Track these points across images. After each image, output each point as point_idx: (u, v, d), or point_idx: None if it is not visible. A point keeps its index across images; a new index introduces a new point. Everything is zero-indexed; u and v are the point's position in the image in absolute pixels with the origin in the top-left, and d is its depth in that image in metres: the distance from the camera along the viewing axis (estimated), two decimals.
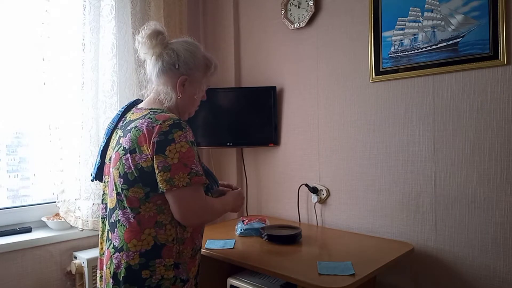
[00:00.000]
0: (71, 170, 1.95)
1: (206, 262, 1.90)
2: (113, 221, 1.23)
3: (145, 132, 1.16)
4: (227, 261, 1.58)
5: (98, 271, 1.33)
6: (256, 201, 2.43)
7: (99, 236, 1.34)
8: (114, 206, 1.23)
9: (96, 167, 1.37)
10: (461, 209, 1.65)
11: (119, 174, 1.19)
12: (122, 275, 1.18)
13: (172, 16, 2.28)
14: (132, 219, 1.19)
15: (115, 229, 1.22)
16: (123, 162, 1.18)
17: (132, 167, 1.16)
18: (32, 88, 1.98)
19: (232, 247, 1.70)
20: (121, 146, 1.21)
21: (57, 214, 1.99)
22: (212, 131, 2.32)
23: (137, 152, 1.16)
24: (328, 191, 2.08)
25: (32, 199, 2.03)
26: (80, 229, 1.94)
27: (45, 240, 1.85)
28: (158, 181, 1.14)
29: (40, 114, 1.98)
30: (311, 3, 2.08)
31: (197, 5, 2.63)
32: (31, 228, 1.91)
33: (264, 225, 1.89)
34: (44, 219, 1.96)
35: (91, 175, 1.39)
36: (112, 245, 1.22)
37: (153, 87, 1.33)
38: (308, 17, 2.10)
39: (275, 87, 2.26)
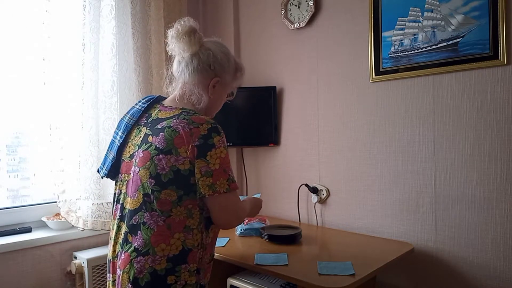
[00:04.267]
0: (72, 170, 1.95)
1: None
2: (135, 223, 1.16)
3: (183, 134, 1.13)
4: (227, 261, 1.58)
5: (109, 275, 1.24)
6: None
7: (111, 238, 1.26)
8: (138, 207, 1.16)
9: (110, 164, 1.28)
10: (461, 209, 1.65)
11: (150, 175, 1.14)
12: (145, 280, 1.12)
13: (172, 16, 2.28)
14: (161, 222, 1.13)
15: (138, 232, 1.15)
16: (155, 162, 1.13)
17: (167, 168, 1.12)
18: (32, 88, 1.98)
19: (223, 245, 1.70)
20: (151, 145, 1.16)
21: (57, 214, 1.99)
22: None
23: (173, 154, 1.12)
24: (328, 191, 2.08)
25: (32, 199, 2.03)
26: (81, 229, 1.94)
27: (45, 240, 1.85)
28: (199, 185, 1.13)
29: (40, 114, 1.98)
30: (311, 3, 2.08)
31: (197, 5, 2.63)
32: (31, 228, 1.91)
33: (264, 225, 1.89)
34: (44, 219, 1.96)
35: (99, 171, 1.34)
36: (132, 248, 1.15)
37: (179, 84, 1.29)
38: (308, 17, 2.10)
39: (275, 87, 2.26)
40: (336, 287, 1.25)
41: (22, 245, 1.78)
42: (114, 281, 1.22)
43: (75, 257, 1.91)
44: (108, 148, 1.32)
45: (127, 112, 1.32)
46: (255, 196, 1.53)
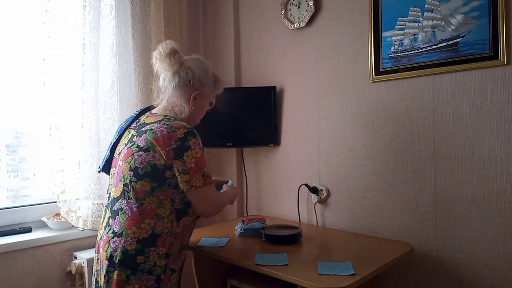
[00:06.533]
0: (72, 170, 1.95)
1: (206, 262, 1.90)
2: (115, 209, 1.35)
3: (160, 136, 1.32)
4: (227, 261, 1.58)
5: (95, 254, 1.43)
6: (256, 201, 2.43)
7: (101, 223, 1.45)
8: (118, 195, 1.36)
9: (105, 160, 1.52)
10: (461, 209, 1.65)
11: (130, 167, 1.33)
12: (118, 258, 1.29)
13: (172, 16, 2.28)
14: (135, 208, 1.32)
15: (117, 216, 1.34)
16: (135, 157, 1.33)
17: (145, 163, 1.31)
18: (32, 88, 1.98)
19: (223, 245, 1.70)
20: (134, 144, 1.36)
21: (57, 214, 1.99)
22: (212, 131, 2.32)
23: (151, 151, 1.32)
24: (328, 191, 2.08)
25: (32, 199, 2.03)
26: (81, 229, 1.94)
27: (45, 240, 1.85)
28: (178, 182, 1.33)
29: (40, 114, 1.98)
30: (311, 3, 2.08)
31: (197, 5, 2.63)
32: (31, 228, 1.91)
33: (264, 225, 1.89)
34: (44, 219, 1.96)
35: (99, 167, 1.55)
36: (111, 230, 1.34)
37: (165, 97, 1.49)
38: (308, 17, 2.10)
39: (275, 87, 2.26)
40: (336, 287, 1.25)
41: (22, 245, 1.78)
42: (98, 259, 1.40)
43: (75, 257, 1.91)
44: (108, 148, 1.54)
45: (126, 119, 1.54)
46: (228, 183, 1.71)
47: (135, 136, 1.38)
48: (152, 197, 1.32)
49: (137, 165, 1.32)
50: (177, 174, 1.32)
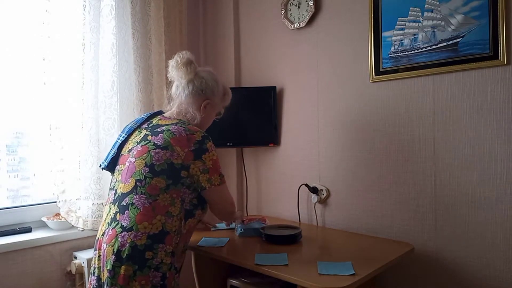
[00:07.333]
0: (72, 170, 1.95)
1: (206, 262, 1.90)
2: (124, 204, 1.36)
3: (179, 137, 1.39)
4: (227, 261, 1.58)
5: (95, 252, 1.41)
6: (256, 201, 2.43)
7: (103, 220, 1.44)
8: (129, 190, 1.37)
9: (110, 158, 1.53)
10: (461, 209, 1.65)
11: (145, 164, 1.37)
12: (126, 252, 1.29)
13: (172, 16, 2.28)
14: (147, 203, 1.34)
15: (126, 211, 1.35)
16: (152, 154, 1.38)
17: (162, 160, 1.37)
18: (32, 88, 1.98)
19: (223, 245, 1.71)
20: (150, 142, 1.41)
21: (57, 214, 1.99)
22: (212, 131, 2.31)
23: (169, 150, 1.37)
24: (328, 191, 2.08)
25: (32, 199, 2.03)
26: (81, 229, 1.94)
27: (45, 240, 1.84)
28: (200, 180, 1.40)
29: (40, 114, 1.98)
30: (311, 3, 2.08)
31: (197, 5, 2.63)
32: (31, 228, 1.91)
33: (264, 225, 1.89)
34: (44, 219, 1.96)
35: (100, 165, 1.57)
36: (119, 225, 1.34)
37: (176, 103, 1.57)
38: (308, 17, 2.10)
39: (275, 87, 2.26)
40: (336, 287, 1.25)
41: (22, 245, 1.78)
42: (99, 256, 1.38)
43: (75, 257, 1.91)
44: (112, 147, 1.57)
45: (133, 120, 1.60)
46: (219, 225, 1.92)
47: (150, 135, 1.44)
48: (166, 194, 1.35)
49: (153, 161, 1.36)
50: (198, 173, 1.40)
